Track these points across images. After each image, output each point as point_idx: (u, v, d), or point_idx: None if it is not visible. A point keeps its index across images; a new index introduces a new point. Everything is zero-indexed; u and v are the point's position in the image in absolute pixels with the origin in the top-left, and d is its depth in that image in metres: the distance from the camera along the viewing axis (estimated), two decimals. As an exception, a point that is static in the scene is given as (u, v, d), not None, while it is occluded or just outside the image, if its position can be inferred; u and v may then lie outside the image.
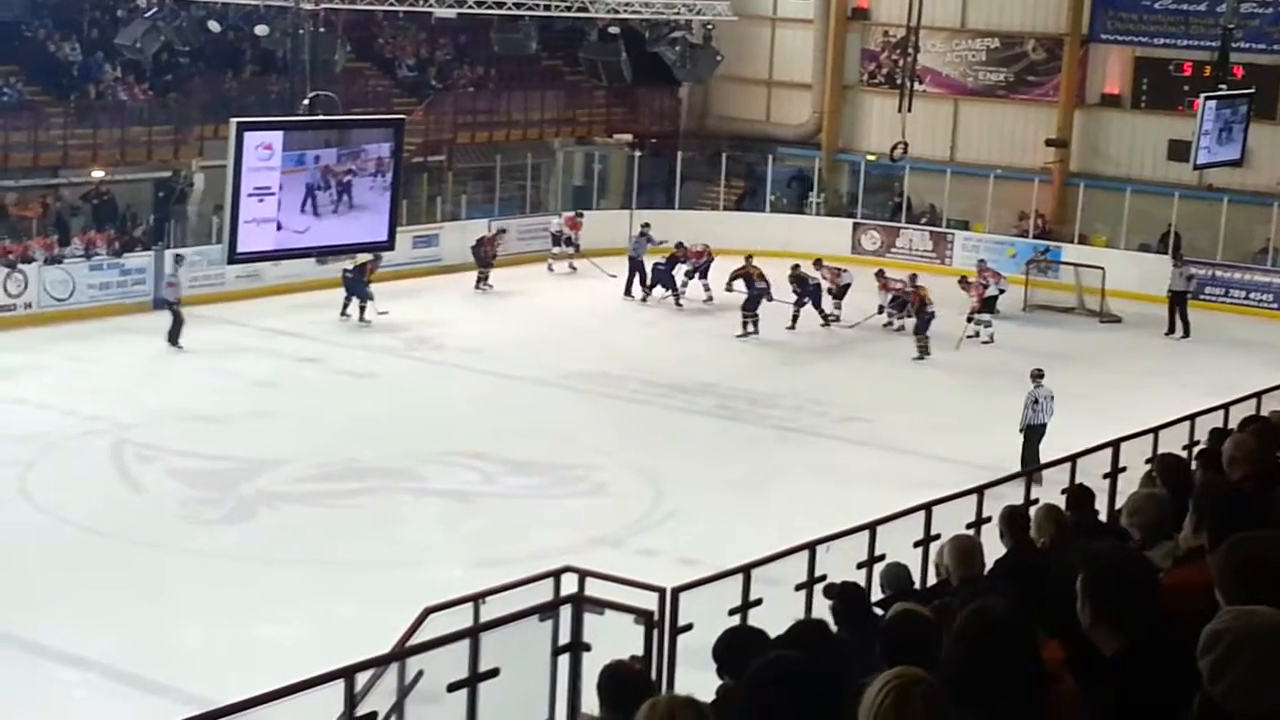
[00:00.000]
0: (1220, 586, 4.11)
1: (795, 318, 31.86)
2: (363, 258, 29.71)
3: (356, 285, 31.01)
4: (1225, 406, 15.37)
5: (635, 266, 34.76)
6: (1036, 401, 22.64)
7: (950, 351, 30.29)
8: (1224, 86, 33.57)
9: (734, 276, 32.90)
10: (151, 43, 30.37)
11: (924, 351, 29.78)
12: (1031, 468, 14.48)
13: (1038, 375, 23.18)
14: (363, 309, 31.05)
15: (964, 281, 32.64)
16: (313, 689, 8.15)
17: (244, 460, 22.28)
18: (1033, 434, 22.47)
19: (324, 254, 27.55)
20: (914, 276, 31.96)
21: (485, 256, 34.92)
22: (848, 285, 32.73)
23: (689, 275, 34.26)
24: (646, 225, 36.07)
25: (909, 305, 30.95)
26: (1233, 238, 36.46)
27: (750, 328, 31.24)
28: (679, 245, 34.74)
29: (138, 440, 23.06)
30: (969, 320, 31.39)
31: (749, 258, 32.64)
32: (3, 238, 30.98)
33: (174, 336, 28.32)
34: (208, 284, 31.88)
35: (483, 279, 34.65)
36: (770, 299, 31.50)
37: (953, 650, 4.42)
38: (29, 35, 34.06)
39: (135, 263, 31.56)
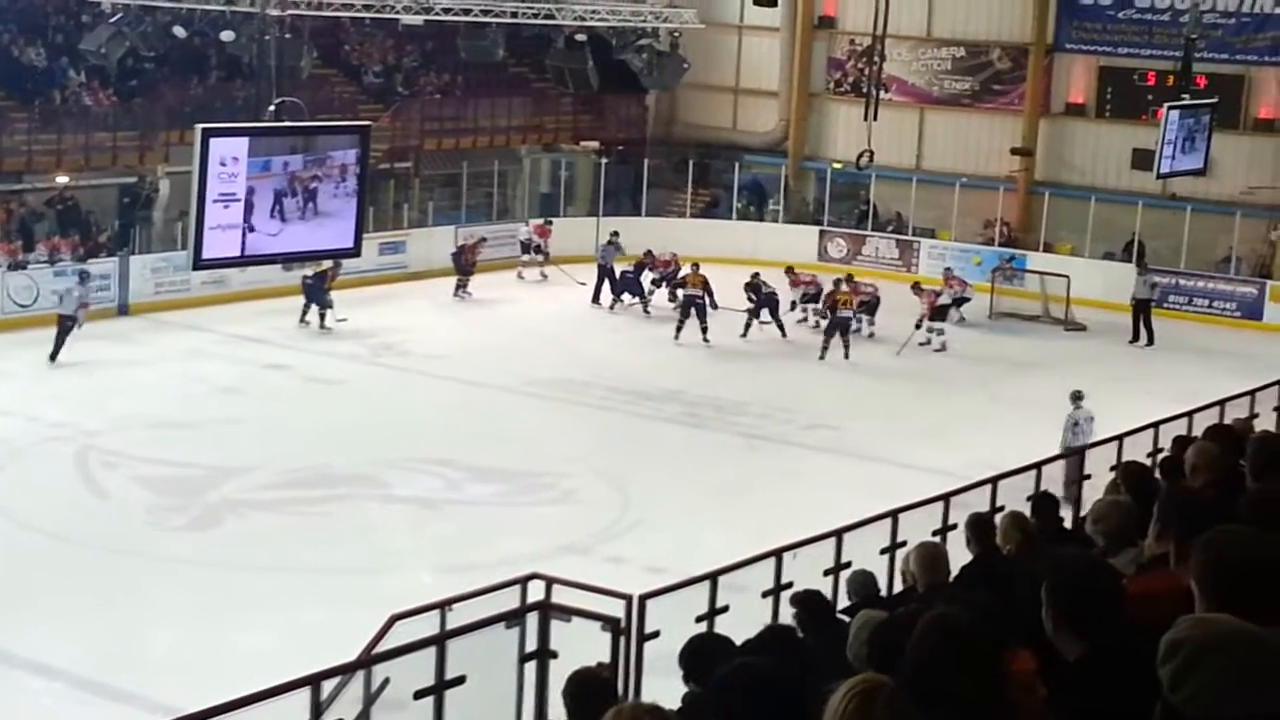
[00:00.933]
0: (1199, 585, 4.14)
1: (747, 325, 31.90)
2: (324, 264, 29.65)
3: (316, 292, 30.91)
4: (1189, 414, 15.46)
5: (604, 274, 34.79)
6: (1076, 424, 21.90)
7: (899, 358, 30.44)
8: (1187, 96, 33.78)
9: (675, 285, 32.94)
10: (116, 48, 30.30)
11: (825, 350, 30.08)
12: (996, 475, 14.52)
13: (1077, 397, 22.45)
14: (322, 316, 30.96)
15: (917, 287, 32.69)
16: (279, 696, 8.13)
17: (210, 467, 22.22)
18: (1074, 457, 22.06)
19: (290, 260, 27.55)
20: (840, 280, 31.68)
21: (465, 264, 34.87)
22: (877, 302, 32.37)
23: (656, 284, 34.28)
24: (615, 233, 36.10)
25: (824, 302, 31.39)
26: (1196, 246, 36.66)
27: (677, 334, 31.37)
28: (647, 253, 34.77)
29: (103, 446, 22.98)
30: (917, 327, 31.41)
31: (695, 266, 32.55)
32: (-34, 243, 30.87)
33: (55, 353, 27.34)
34: (173, 290, 31.80)
35: (461, 286, 34.63)
36: (713, 307, 31.68)
37: (913, 656, 4.45)
38: (-7, 40, 33.93)
39: (100, 269, 31.42)
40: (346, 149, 22.53)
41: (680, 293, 32.12)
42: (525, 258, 37.05)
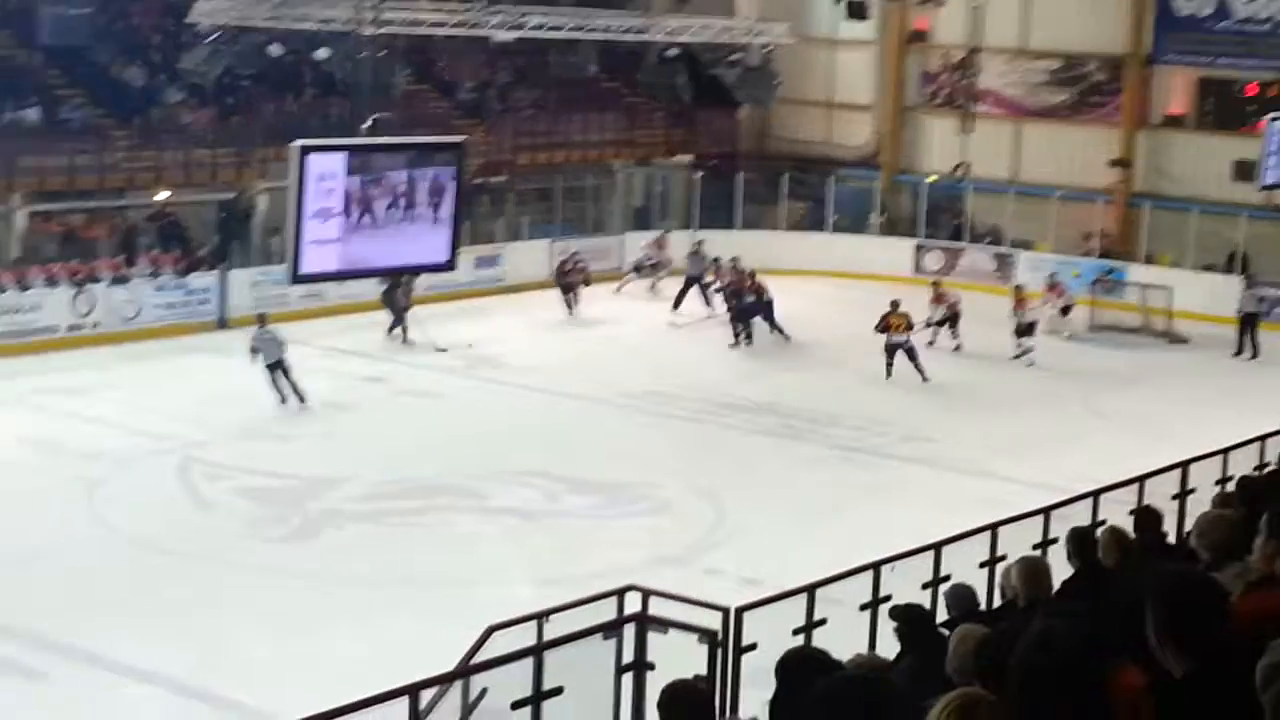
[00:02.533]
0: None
1: (737, 335, 31.98)
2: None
3: (393, 304, 31.02)
4: (1295, 428, 15.25)
5: (691, 283, 34.84)
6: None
7: (1014, 370, 30.14)
8: (1289, 107, 33.33)
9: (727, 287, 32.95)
10: (214, 67, 30.74)
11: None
12: (1098, 489, 14.39)
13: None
14: (405, 329, 31.06)
15: (1019, 292, 32.15)
16: (377, 706, 8.18)
17: (309, 478, 22.40)
18: None
19: (387, 274, 27.77)
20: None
21: (570, 282, 34.73)
22: (958, 315, 32.16)
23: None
24: (700, 242, 36.17)
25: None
26: (1301, 258, 36.14)
27: (743, 340, 31.65)
28: (714, 262, 34.71)
29: (204, 458, 23.22)
30: (1061, 316, 32.00)
31: (753, 273, 32.67)
32: (71, 258, 31.30)
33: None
34: (271, 303, 32.09)
35: (569, 303, 34.52)
36: (759, 314, 32.00)
37: (1018, 671, 4.40)
38: (94, 60, 34.41)
39: (200, 283, 31.85)
40: (442, 165, 22.68)
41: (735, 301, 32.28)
42: (636, 275, 36.63)
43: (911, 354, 29.08)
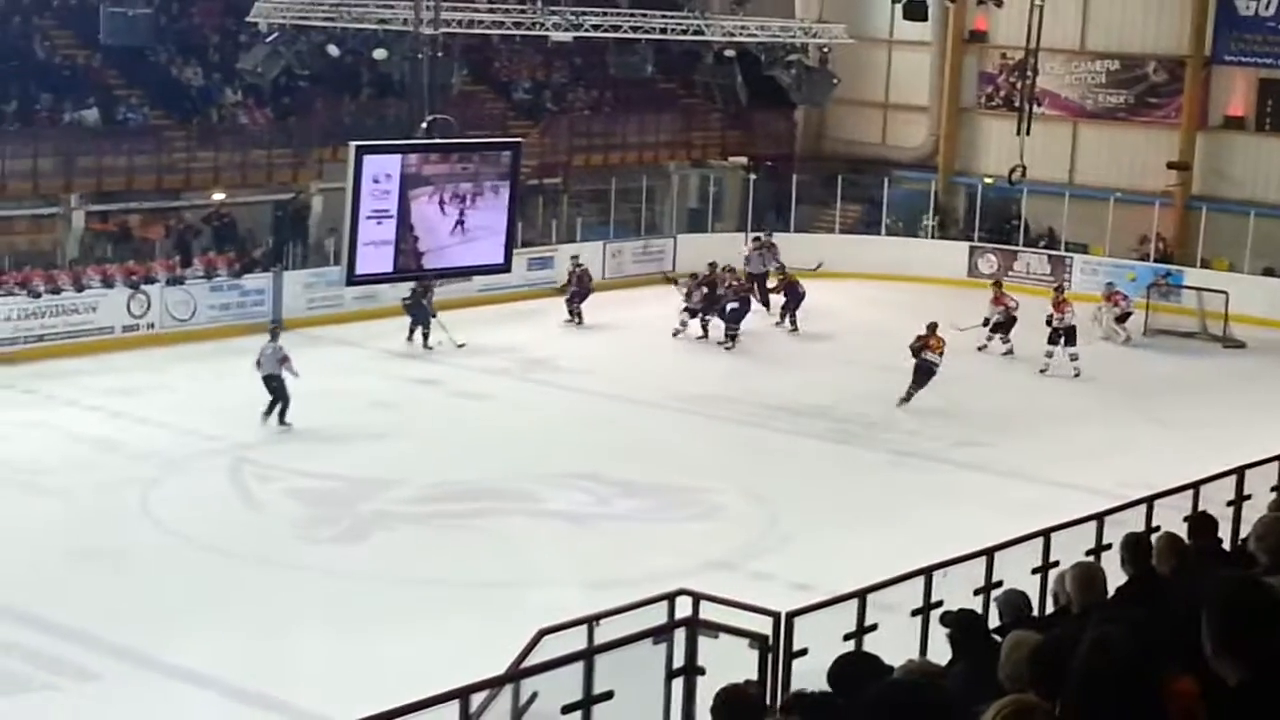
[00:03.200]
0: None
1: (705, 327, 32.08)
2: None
3: (417, 310, 31.02)
4: (1353, 434, 15.07)
5: (755, 280, 34.85)
6: None
7: (1067, 375, 29.93)
8: (1352, 109, 33.01)
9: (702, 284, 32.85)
10: (272, 67, 30.84)
11: (909, 397, 27.52)
12: (1152, 495, 14.25)
13: None
14: (426, 335, 30.93)
15: (1057, 295, 31.66)
16: (428, 709, 8.16)
17: (360, 480, 22.46)
18: None
19: (441, 276, 27.83)
20: (934, 324, 28.53)
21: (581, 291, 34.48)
22: (1013, 319, 31.74)
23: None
24: (758, 239, 36.15)
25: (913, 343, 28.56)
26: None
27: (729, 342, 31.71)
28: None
29: (256, 459, 23.33)
30: (1118, 323, 31.78)
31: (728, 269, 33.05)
32: (127, 259, 31.51)
33: (281, 414, 25.16)
34: (325, 305, 32.23)
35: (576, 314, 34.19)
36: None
37: (1077, 677, 4.34)
38: (153, 60, 34.63)
39: (254, 284, 31.98)
40: (497, 165, 22.73)
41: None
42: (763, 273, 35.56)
43: (928, 377, 27.42)
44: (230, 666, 15.87)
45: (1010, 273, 38.96)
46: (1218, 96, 39.43)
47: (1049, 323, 30.60)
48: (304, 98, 35.38)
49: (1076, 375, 29.93)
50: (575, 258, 34.05)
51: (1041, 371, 29.96)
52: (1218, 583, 5.11)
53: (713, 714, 6.66)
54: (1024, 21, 35.04)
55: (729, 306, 31.94)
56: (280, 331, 26.03)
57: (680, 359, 30.56)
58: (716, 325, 32.23)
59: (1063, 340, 30.29)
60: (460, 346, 30.47)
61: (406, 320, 31.09)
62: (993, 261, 39.60)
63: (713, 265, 33.11)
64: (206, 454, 23.51)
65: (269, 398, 24.88)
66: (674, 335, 32.31)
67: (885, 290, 34.70)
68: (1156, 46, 39.83)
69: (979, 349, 30.76)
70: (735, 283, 32.70)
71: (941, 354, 27.60)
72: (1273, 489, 14.17)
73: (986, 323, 31.61)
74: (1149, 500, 13.63)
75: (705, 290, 32.48)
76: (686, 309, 32.48)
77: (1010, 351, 31.33)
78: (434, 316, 30.78)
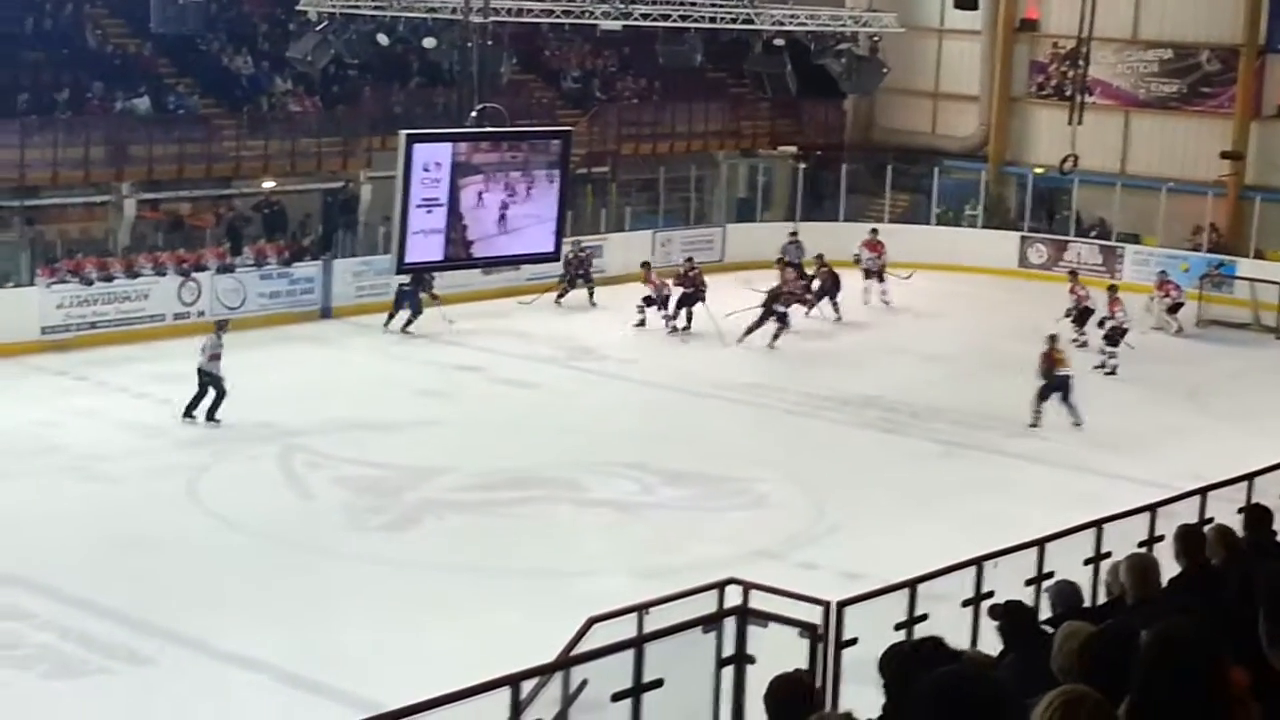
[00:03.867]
0: None
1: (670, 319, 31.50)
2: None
3: (410, 296, 30.97)
4: None
5: (787, 268, 34.75)
6: None
7: (1121, 365, 29.72)
8: None
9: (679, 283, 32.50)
10: (321, 56, 30.90)
11: (1037, 416, 25.73)
12: (1205, 486, 14.16)
13: None
14: (409, 321, 31.00)
15: (1113, 293, 31.25)
16: (478, 696, 8.17)
17: (408, 468, 22.52)
18: None
19: (491, 265, 27.85)
20: (1055, 336, 27.12)
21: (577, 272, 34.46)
22: (1088, 309, 31.21)
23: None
24: (794, 233, 36.44)
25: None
26: None
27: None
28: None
29: (305, 447, 23.40)
30: (1169, 313, 31.38)
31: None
32: (177, 247, 31.64)
33: (211, 410, 24.26)
34: (374, 293, 32.28)
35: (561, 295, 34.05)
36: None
37: (1144, 668, 4.29)
38: (203, 49, 34.79)
39: (304, 272, 32.08)
40: (547, 154, 22.73)
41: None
42: (866, 284, 34.79)
43: (1069, 391, 25.76)
44: (279, 652, 15.93)
45: (1060, 263, 38.76)
46: (1272, 86, 39.12)
47: (1101, 324, 30.28)
48: (353, 86, 35.47)
49: (1112, 373, 29.49)
50: (690, 259, 33.57)
51: (1097, 367, 29.47)
52: (1271, 575, 5.07)
53: (766, 702, 6.64)
54: (1076, 10, 34.91)
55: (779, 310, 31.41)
56: (226, 328, 25.24)
57: (726, 348, 30.47)
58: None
59: (1106, 339, 29.89)
60: (451, 323, 30.84)
61: (457, 309, 31.19)
62: (1043, 252, 39.42)
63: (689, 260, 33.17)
64: (255, 441, 23.59)
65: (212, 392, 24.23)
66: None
67: (934, 280, 34.52)
68: (1209, 35, 39.54)
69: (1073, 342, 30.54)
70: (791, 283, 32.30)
71: (1068, 364, 25.97)
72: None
73: (1068, 314, 31.31)
74: (1202, 492, 13.57)
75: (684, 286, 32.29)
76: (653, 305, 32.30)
77: (1084, 344, 30.72)
78: (435, 301, 31.00)
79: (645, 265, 33.19)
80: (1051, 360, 25.81)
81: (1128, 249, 38.51)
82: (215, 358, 24.34)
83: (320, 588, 17.96)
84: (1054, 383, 25.72)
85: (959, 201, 41.69)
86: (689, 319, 31.96)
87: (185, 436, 23.56)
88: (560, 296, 33.98)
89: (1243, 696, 4.65)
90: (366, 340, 30.37)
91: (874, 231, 35.06)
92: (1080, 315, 31.26)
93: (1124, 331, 30.01)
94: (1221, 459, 20.97)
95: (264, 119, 34.16)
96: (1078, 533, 12.89)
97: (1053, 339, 26.40)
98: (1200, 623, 4.78)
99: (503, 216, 21.98)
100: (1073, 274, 33.51)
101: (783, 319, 30.87)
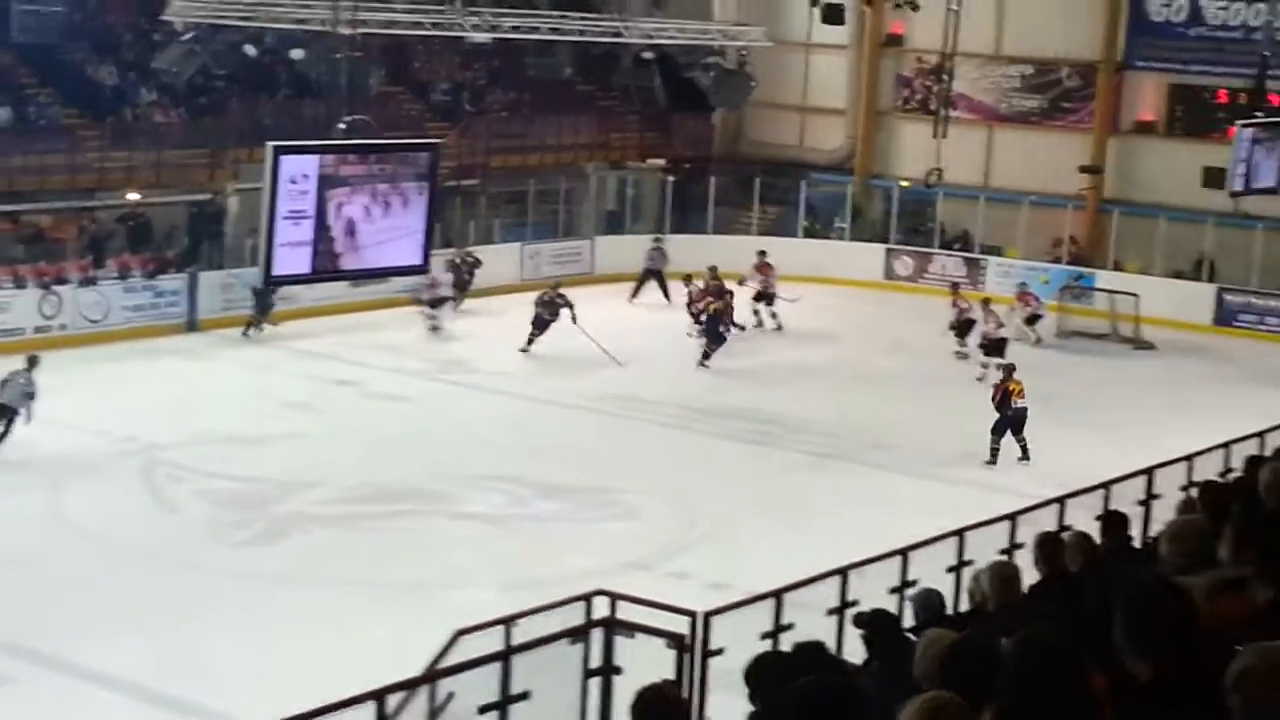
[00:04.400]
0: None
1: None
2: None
3: (262, 298, 30.99)
4: (1261, 434, 15.30)
5: (649, 275, 35.96)
6: None
7: (984, 381, 30.14)
8: (1260, 114, 33.48)
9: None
10: (188, 66, 30.61)
11: (994, 455, 24.76)
12: (1064, 495, 14.41)
13: None
14: (260, 324, 31.20)
15: (987, 304, 31.76)
16: (343, 710, 8.14)
17: (277, 481, 22.34)
18: None
19: (359, 277, 27.66)
20: (1011, 369, 26.33)
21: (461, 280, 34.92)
22: (970, 321, 31.55)
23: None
24: (659, 238, 37.12)
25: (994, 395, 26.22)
26: (1268, 265, 36.31)
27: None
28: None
29: (170, 461, 23.13)
30: (1028, 324, 31.46)
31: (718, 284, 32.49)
32: (38, 259, 31.15)
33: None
34: (242, 306, 31.97)
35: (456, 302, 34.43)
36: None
37: (1011, 674, 4.38)
38: (66, 58, 34.27)
39: (169, 285, 31.71)
40: (415, 167, 22.63)
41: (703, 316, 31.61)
42: (759, 307, 34.52)
43: (1023, 425, 24.74)
44: (145, 670, 15.74)
45: (926, 275, 39.30)
46: (1129, 101, 39.92)
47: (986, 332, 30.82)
48: (220, 97, 35.10)
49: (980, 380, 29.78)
50: (713, 268, 33.40)
51: (979, 379, 29.68)
52: (1130, 582, 5.19)
53: (632, 713, 6.67)
54: (940, 26, 35.37)
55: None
56: (37, 364, 23.51)
57: (599, 361, 30.50)
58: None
59: (984, 349, 30.22)
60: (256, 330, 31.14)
61: (325, 321, 31.08)
62: (908, 264, 39.91)
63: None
64: (119, 456, 23.27)
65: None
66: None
67: (802, 292, 34.78)
68: (1069, 51, 40.27)
69: (958, 356, 31.04)
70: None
71: (1023, 396, 24.80)
72: (1181, 489, 14.38)
73: (951, 327, 31.70)
74: (1060, 500, 13.81)
75: None
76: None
77: (966, 356, 31.18)
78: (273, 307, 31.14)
79: (711, 268, 33.36)
80: (1008, 392, 24.79)
81: (990, 261, 39.09)
82: (31, 396, 22.88)
83: (185, 603, 17.75)
84: (1010, 416, 24.56)
85: (827, 214, 42.10)
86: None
87: (47, 451, 23.08)
88: (456, 305, 34.12)
89: (1101, 700, 4.76)
90: (234, 353, 30.07)
91: (762, 254, 34.96)
92: (962, 327, 31.66)
93: (1004, 341, 30.24)
94: (1080, 467, 21.37)
95: (128, 130, 33.67)
96: (940, 541, 13.06)
97: (1009, 370, 25.48)
98: (1061, 629, 4.90)
99: (371, 229, 21.84)
100: (954, 287, 33.92)
101: (717, 336, 30.91)
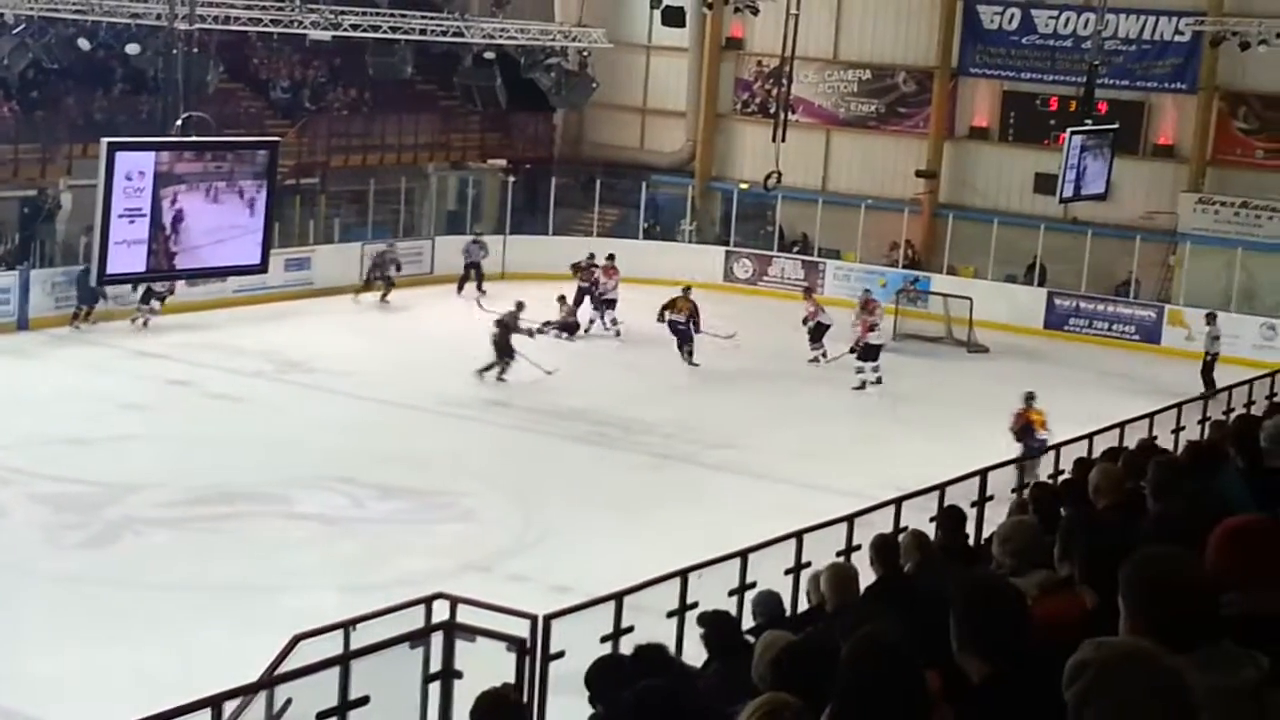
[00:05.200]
0: (1125, 606, 4.15)
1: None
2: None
3: (87, 290, 30.59)
4: (1089, 436, 15.62)
5: (470, 267, 36.86)
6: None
7: (818, 378, 30.50)
8: (1089, 121, 34.27)
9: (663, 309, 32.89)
10: (19, 59, 29.92)
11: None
12: (900, 496, 14.62)
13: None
14: (87, 316, 31.01)
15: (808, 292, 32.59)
16: (179, 718, 8.04)
17: (109, 484, 21.95)
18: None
19: (195, 276, 27.34)
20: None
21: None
22: (821, 325, 32.04)
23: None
24: (479, 233, 37.97)
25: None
26: (1096, 270, 37.12)
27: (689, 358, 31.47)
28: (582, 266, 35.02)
29: (-1, 463, 22.65)
30: (854, 354, 31.20)
31: (686, 290, 32.74)
32: None
33: None
34: (73, 304, 31.39)
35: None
36: (696, 331, 31.66)
37: (848, 675, 4.42)
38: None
39: (-1, 282, 31.06)
40: (254, 165, 22.39)
41: (669, 316, 31.83)
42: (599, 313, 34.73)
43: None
44: (-29, 677, 15.40)
45: (765, 278, 39.66)
46: (964, 107, 40.59)
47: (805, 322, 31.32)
48: (53, 92, 34.39)
49: (878, 383, 30.20)
50: (611, 256, 34.70)
51: (857, 388, 30.07)
52: (962, 581, 5.29)
53: (472, 717, 6.67)
54: (779, 30, 35.70)
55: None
56: None
57: (438, 362, 30.38)
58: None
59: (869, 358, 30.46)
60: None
61: (162, 320, 30.69)
62: (748, 266, 40.23)
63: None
64: (-54, 458, 22.75)
65: None
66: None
67: (641, 293, 34.91)
68: (906, 57, 40.85)
69: (810, 361, 31.36)
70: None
71: (1047, 427, 22.65)
72: (1012, 490, 14.67)
73: (810, 333, 32.01)
74: (897, 502, 13.99)
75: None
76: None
77: (818, 359, 31.59)
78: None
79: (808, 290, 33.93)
80: (1029, 423, 23.21)
81: (829, 264, 39.53)
82: None
83: (13, 607, 17.37)
84: (1035, 448, 21.61)
85: (671, 217, 42.29)
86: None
87: None
88: (358, 294, 35.54)
89: (936, 699, 4.83)
90: (66, 352, 29.50)
91: (611, 257, 35.12)
92: (815, 331, 31.97)
93: (878, 348, 30.57)
94: (915, 468, 21.64)
95: (-44, 124, 32.93)
96: (779, 543, 13.18)
97: (1029, 397, 24.05)
98: (894, 629, 4.97)
99: (207, 228, 21.56)
100: (807, 291, 34.17)
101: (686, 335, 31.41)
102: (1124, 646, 3.65)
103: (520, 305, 29.84)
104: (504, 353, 28.97)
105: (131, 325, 31.29)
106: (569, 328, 33.20)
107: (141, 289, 30.89)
